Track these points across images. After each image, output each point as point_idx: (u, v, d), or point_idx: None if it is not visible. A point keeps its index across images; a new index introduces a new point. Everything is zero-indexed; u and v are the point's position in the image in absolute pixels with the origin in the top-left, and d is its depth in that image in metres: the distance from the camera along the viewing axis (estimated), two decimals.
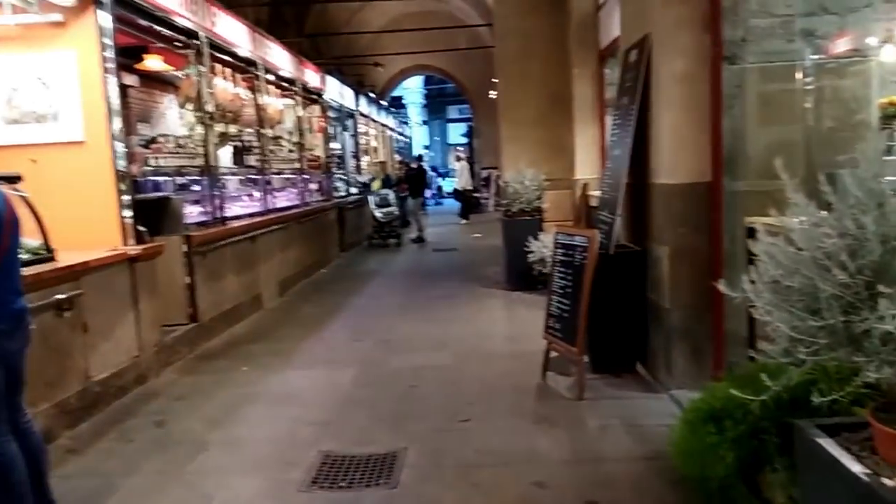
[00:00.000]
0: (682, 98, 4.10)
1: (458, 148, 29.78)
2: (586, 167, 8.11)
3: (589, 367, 4.58)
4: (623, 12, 5.26)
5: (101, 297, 4.49)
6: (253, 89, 8.18)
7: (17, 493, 2.65)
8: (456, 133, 36.99)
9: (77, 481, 3.39)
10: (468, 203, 18.62)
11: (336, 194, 12.38)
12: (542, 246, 7.03)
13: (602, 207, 5.05)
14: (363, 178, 14.80)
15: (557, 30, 8.43)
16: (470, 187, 19.14)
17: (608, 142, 5.65)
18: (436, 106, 37.98)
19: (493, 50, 11.49)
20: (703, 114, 4.00)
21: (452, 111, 37.61)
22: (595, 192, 5.55)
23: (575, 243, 4.59)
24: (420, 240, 13.63)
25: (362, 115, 15.93)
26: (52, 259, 4.08)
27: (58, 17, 4.75)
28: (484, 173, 21.58)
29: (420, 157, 18.76)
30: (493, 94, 17.37)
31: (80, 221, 4.68)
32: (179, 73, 7.00)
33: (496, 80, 10.20)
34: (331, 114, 12.60)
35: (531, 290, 7.33)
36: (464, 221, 17.50)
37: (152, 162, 6.24)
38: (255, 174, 8.38)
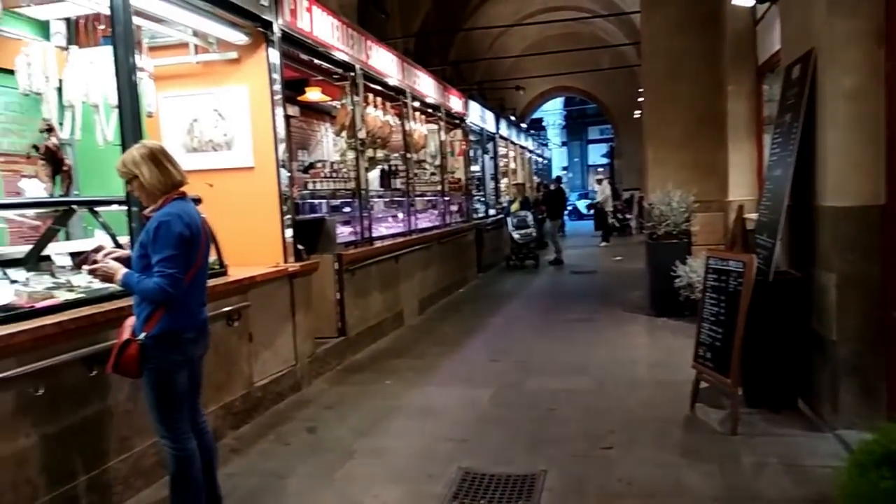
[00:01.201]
0: (851, 116, 3.80)
1: (599, 169, 29.26)
2: (741, 188, 7.66)
3: (743, 400, 4.30)
4: (784, 26, 4.97)
5: (264, 310, 4.87)
6: (401, 116, 8.57)
7: (195, 486, 2.94)
8: (596, 154, 36.40)
9: (240, 479, 3.68)
10: (608, 225, 18.19)
11: (475, 216, 12.60)
12: (691, 270, 6.72)
13: (760, 231, 4.75)
14: (502, 200, 14.96)
15: (709, 46, 8.09)
16: (610, 209, 18.67)
17: (767, 162, 5.32)
18: (576, 127, 37.62)
19: (639, 69, 11.22)
20: (876, 132, 3.69)
21: (593, 132, 37.09)
22: (751, 215, 5.23)
23: (729, 268, 4.35)
24: (558, 262, 13.50)
25: (502, 137, 16.14)
26: (224, 273, 4.50)
27: (233, 55, 5.28)
28: (626, 195, 20.97)
29: (559, 179, 18.65)
30: (637, 113, 16.96)
31: (248, 240, 5.12)
32: (336, 103, 7.49)
33: (642, 100, 9.96)
34: (472, 137, 12.88)
35: (677, 317, 7.02)
36: (603, 244, 17.11)
37: (310, 186, 6.71)
38: (400, 196, 8.75)
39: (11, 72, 4.24)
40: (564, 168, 35.84)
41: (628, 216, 20.00)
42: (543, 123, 34.67)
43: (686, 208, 7.46)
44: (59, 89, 4.34)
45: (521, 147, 19.90)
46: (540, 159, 25.49)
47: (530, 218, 13.40)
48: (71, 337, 3.15)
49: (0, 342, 2.80)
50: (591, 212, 19.32)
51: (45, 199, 4.09)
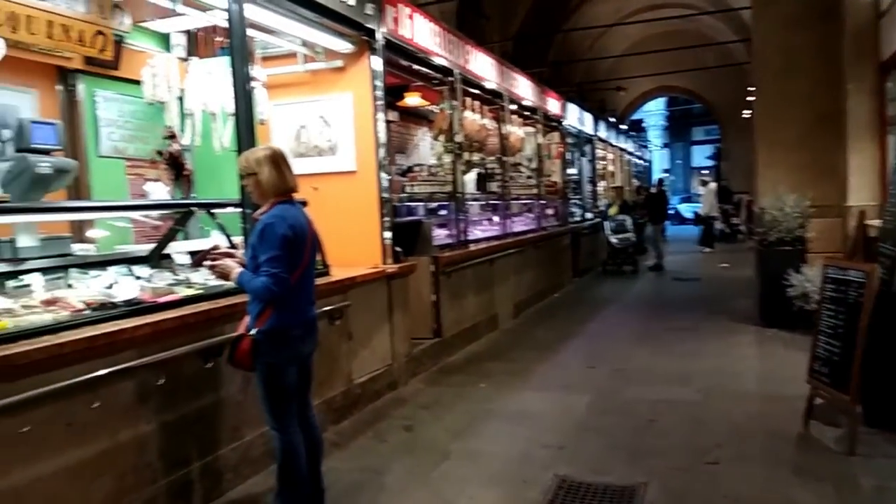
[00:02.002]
0: None
1: (703, 171, 28.06)
2: (862, 193, 7.14)
3: (862, 418, 4.00)
4: None
5: (363, 309, 5.01)
6: (498, 119, 8.58)
7: (300, 476, 3.06)
8: (700, 156, 34.94)
9: (340, 473, 3.80)
10: (711, 231, 17.35)
11: (571, 219, 12.41)
12: (805, 280, 6.33)
13: (884, 238, 4.41)
14: (600, 204, 14.65)
15: (826, 42, 7.59)
16: (716, 213, 17.78)
17: (891, 164, 4.93)
18: (679, 128, 36.30)
19: (749, 66, 10.69)
20: None
21: (697, 133, 35.65)
22: (874, 222, 4.86)
23: (849, 278, 4.06)
24: (658, 268, 13.06)
25: (600, 139, 15.81)
26: (327, 274, 4.66)
27: (339, 63, 5.46)
28: (733, 198, 19.91)
29: (661, 181, 18.02)
30: (747, 113, 16.15)
31: (348, 241, 5.26)
32: (434, 108, 7.60)
33: (752, 99, 9.48)
34: (569, 140, 12.70)
35: (790, 328, 6.61)
36: (707, 250, 16.39)
37: (407, 189, 6.84)
38: (496, 199, 8.75)
39: (137, 82, 4.59)
40: (666, 170, 34.63)
41: (736, 220, 18.99)
42: (644, 125, 33.67)
43: (800, 213, 7.03)
44: (180, 98, 4.66)
45: (621, 149, 19.41)
46: (640, 162, 24.78)
47: (629, 222, 13.03)
48: (189, 331, 3.36)
49: (126, 334, 3.03)
50: (695, 220, 18.23)
51: (169, 202, 4.39)
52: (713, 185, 18.21)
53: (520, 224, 9.53)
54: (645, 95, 25.59)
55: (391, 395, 5.28)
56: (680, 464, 3.77)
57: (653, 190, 16.03)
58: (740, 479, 3.54)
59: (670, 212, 21.51)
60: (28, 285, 3.25)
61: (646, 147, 28.61)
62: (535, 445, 4.14)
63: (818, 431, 4.11)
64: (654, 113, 34.64)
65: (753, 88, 8.80)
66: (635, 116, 29.47)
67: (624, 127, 21.81)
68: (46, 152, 3.59)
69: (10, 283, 3.22)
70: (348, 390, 4.79)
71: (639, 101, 26.22)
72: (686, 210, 27.28)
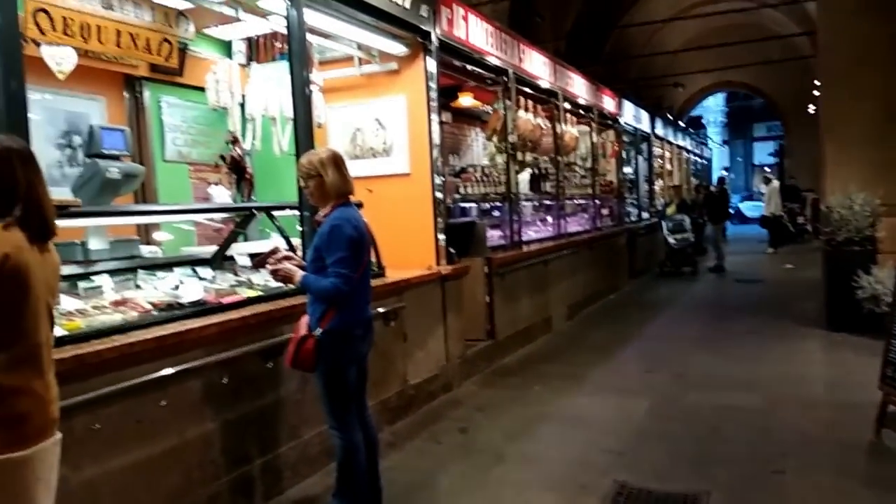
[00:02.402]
0: None
1: (766, 169, 27.14)
2: None
3: None
4: None
5: (417, 311, 5.03)
6: (552, 118, 8.49)
7: (359, 475, 3.09)
8: (762, 153, 33.85)
9: (396, 473, 3.81)
10: (777, 231, 16.71)
11: (627, 219, 12.18)
12: (875, 281, 6.06)
13: None
14: (657, 203, 14.33)
15: None
16: (779, 212, 17.12)
17: None
18: (739, 124, 35.22)
19: (814, 60, 10.29)
20: None
21: (759, 129, 34.53)
22: None
23: None
24: (719, 269, 12.67)
25: (657, 137, 15.47)
26: (382, 275, 4.70)
27: (394, 66, 5.50)
28: (801, 196, 19.10)
29: (722, 180, 17.49)
30: (812, 108, 15.56)
31: (402, 243, 5.28)
32: (487, 108, 7.57)
33: (817, 94, 9.12)
34: (625, 138, 12.47)
35: (859, 332, 6.32)
36: (771, 251, 15.83)
37: (461, 190, 6.84)
38: (550, 200, 8.66)
39: (200, 88, 4.72)
40: (726, 168, 33.64)
41: (801, 219, 18.24)
42: (703, 121, 32.80)
43: (870, 212, 6.72)
44: (242, 104, 4.77)
45: (678, 147, 18.95)
46: (699, 159, 24.14)
47: (687, 222, 12.70)
48: (251, 331, 3.43)
49: (193, 334, 3.12)
50: (761, 221, 17.44)
51: (232, 205, 4.50)
52: (776, 184, 17.49)
53: (574, 224, 9.41)
54: (703, 91, 24.96)
55: (445, 397, 5.29)
56: (745, 472, 3.65)
57: (714, 189, 15.55)
58: (808, 489, 3.40)
59: (731, 211, 20.84)
60: (99, 286, 3.38)
61: (705, 144, 27.86)
62: (593, 450, 4.07)
63: (892, 440, 3.92)
64: (713, 109, 33.72)
65: (819, 83, 8.46)
66: (694, 113, 28.74)
67: (682, 124, 21.29)
68: (116, 157, 3.73)
69: (82, 285, 3.36)
70: (403, 391, 4.82)
71: (697, 97, 25.59)
72: (748, 209, 26.43)
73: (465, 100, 7.84)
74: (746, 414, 4.59)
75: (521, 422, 4.67)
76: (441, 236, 5.48)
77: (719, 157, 34.49)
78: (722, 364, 6.02)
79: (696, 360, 6.25)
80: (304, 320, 3.06)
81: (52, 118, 4.48)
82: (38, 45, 3.23)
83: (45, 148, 4.29)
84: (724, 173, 27.62)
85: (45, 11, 3.16)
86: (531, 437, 4.40)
